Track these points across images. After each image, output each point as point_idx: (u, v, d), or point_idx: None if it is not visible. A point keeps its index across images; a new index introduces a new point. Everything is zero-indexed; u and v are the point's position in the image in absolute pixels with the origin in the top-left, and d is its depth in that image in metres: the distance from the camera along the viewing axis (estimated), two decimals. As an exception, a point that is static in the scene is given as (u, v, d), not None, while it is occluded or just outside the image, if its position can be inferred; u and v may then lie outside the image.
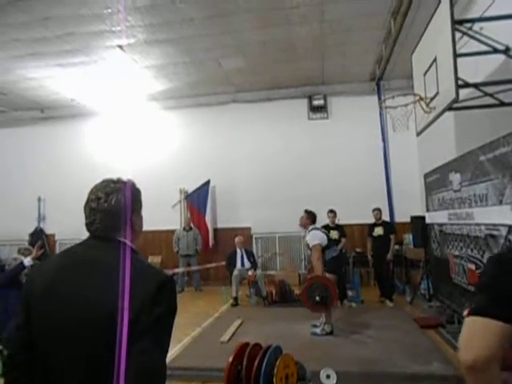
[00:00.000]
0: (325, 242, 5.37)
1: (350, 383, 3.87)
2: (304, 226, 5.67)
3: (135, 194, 1.40)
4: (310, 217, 5.63)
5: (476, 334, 1.05)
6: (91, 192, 1.35)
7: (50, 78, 8.58)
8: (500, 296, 1.05)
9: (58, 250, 10.60)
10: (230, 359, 3.48)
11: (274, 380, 3.29)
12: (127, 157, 9.80)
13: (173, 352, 4.69)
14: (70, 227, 9.94)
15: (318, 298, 4.85)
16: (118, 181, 1.38)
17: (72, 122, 10.82)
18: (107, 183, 1.35)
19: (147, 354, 1.12)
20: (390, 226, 7.68)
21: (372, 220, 7.65)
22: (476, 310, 1.08)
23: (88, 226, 1.33)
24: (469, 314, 1.09)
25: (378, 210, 7.55)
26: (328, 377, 3.88)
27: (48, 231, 10.74)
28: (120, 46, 7.26)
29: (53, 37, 6.84)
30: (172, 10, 6.18)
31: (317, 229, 5.58)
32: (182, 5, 6.03)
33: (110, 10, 6.08)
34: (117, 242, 1.29)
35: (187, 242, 9.17)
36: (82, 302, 1.17)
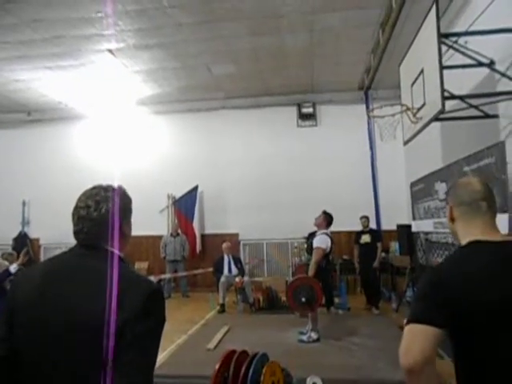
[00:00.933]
0: (328, 249, 5.42)
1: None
2: (318, 226, 5.71)
3: (126, 202, 1.38)
4: (327, 219, 5.71)
5: (414, 339, 1.18)
6: (80, 199, 1.32)
7: (37, 80, 8.49)
8: (433, 305, 1.20)
9: (42, 255, 10.43)
10: (217, 366, 3.46)
11: (261, 388, 3.28)
12: (115, 161, 9.71)
13: (159, 359, 4.60)
14: (55, 231, 9.82)
15: (303, 299, 4.86)
16: (109, 188, 1.34)
17: (59, 125, 10.69)
18: (98, 191, 1.32)
19: (134, 366, 1.11)
20: (377, 234, 7.75)
21: (359, 227, 7.71)
22: (414, 317, 1.21)
23: (76, 234, 1.31)
24: (408, 323, 1.22)
25: (365, 218, 7.62)
26: (314, 384, 3.88)
27: (32, 235, 10.56)
28: (110, 50, 7.23)
29: (41, 39, 6.78)
30: (162, 15, 6.19)
31: (327, 234, 5.62)
32: (171, 10, 6.05)
33: (100, 14, 6.06)
34: (105, 250, 1.27)
35: (174, 247, 9.13)
36: (69, 310, 1.16)
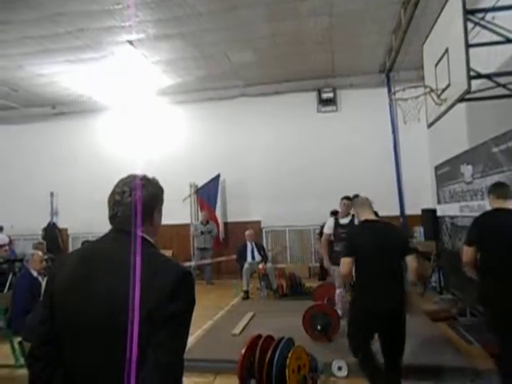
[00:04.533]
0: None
1: (361, 375, 3.90)
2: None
3: (159, 191, 1.44)
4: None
5: (343, 264, 3.19)
6: (117, 185, 1.38)
7: (60, 74, 8.66)
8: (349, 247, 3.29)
9: (71, 244, 10.77)
10: (243, 351, 3.52)
11: (287, 371, 3.33)
12: (138, 151, 9.87)
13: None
14: (82, 221, 10.12)
15: (319, 327, 4.70)
16: (144, 177, 1.41)
17: (83, 118, 10.93)
18: (133, 178, 1.38)
19: (164, 348, 1.15)
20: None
21: (382, 213, 7.60)
22: (343, 254, 3.26)
23: (111, 218, 1.36)
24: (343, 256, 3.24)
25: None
26: (340, 368, 3.91)
27: (61, 225, 10.90)
28: (130, 42, 7.30)
29: (63, 33, 6.90)
30: (180, 5, 6.19)
31: (335, 218, 5.61)
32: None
33: (119, 6, 6.11)
34: (137, 236, 1.31)
35: (204, 235, 9.24)
36: (104, 296, 1.20)
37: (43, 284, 4.28)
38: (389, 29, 7.38)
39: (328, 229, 5.43)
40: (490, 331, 3.29)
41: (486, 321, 3.40)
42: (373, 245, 3.10)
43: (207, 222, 9.42)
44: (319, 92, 9.75)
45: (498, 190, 3.22)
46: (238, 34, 7.27)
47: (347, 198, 5.51)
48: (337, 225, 5.33)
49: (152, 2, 6.05)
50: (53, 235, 10.50)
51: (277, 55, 8.27)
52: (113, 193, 1.37)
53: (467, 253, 3.18)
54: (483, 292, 3.20)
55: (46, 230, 10.67)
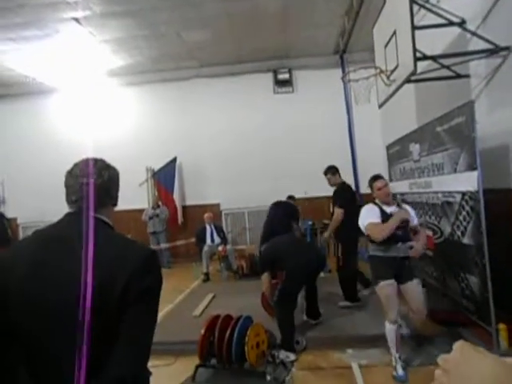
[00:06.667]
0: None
1: (318, 347, 4.08)
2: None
3: (115, 175, 1.45)
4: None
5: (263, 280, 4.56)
6: (73, 168, 1.37)
7: (1, 53, 8.09)
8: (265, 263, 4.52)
9: (21, 234, 10.27)
10: (202, 331, 3.58)
11: (246, 348, 3.42)
12: (89, 135, 9.49)
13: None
14: (33, 210, 9.68)
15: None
16: (101, 160, 1.41)
17: (31, 100, 10.31)
18: (90, 161, 1.37)
19: (137, 323, 1.18)
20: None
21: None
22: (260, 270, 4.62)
23: (68, 202, 1.35)
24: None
25: None
26: (297, 343, 4.06)
27: (9, 215, 10.35)
28: (76, 19, 6.91)
29: (2, 9, 6.42)
30: (129, -19, 5.93)
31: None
32: (139, -25, 5.80)
33: (62, -20, 5.76)
34: (96, 218, 1.30)
35: (153, 219, 9.13)
36: (68, 281, 1.18)
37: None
38: (341, 11, 7.46)
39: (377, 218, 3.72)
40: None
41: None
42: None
43: (158, 206, 9.32)
44: (275, 73, 9.75)
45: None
46: (190, 13, 7.07)
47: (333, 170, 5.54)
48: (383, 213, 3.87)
49: (98, -23, 5.75)
50: (1, 225, 9.97)
51: (231, 35, 8.15)
52: (70, 176, 1.36)
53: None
54: None
55: (-7, 219, 10.10)
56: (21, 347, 1.23)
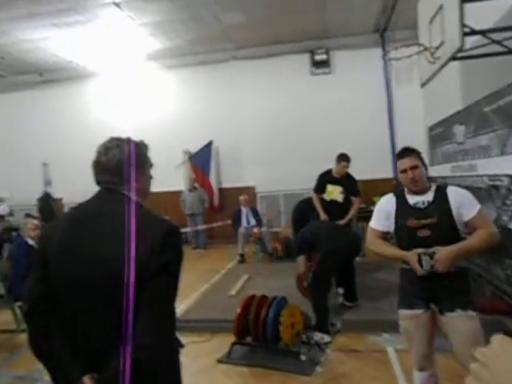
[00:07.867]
0: None
1: (354, 330, 4.06)
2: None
3: (138, 150, 1.42)
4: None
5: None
6: (99, 148, 1.42)
7: (46, 39, 8.38)
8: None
9: (66, 214, 10.77)
10: (238, 310, 3.65)
11: (281, 328, 3.45)
12: (129, 117, 9.72)
13: (183, 306, 4.89)
14: (76, 190, 10.01)
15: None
16: (122, 139, 1.42)
17: (72, 84, 10.69)
18: (111, 140, 1.41)
19: (158, 297, 1.22)
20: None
21: (378, 175, 7.62)
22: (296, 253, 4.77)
23: (97, 181, 1.41)
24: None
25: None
26: (332, 325, 4.06)
27: (55, 195, 10.87)
28: (116, 3, 7.03)
29: (46, -5, 6.62)
30: (167, -38, 5.93)
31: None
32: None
33: (102, -35, 5.84)
34: (123, 195, 1.35)
35: (192, 201, 9.30)
36: (97, 255, 1.25)
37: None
38: (383, -15, 7.16)
39: (381, 220, 3.59)
40: None
41: None
42: None
43: (195, 189, 9.47)
44: (312, 54, 9.53)
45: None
46: (227, -6, 7.02)
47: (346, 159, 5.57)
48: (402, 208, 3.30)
49: (136, -41, 5.79)
50: (47, 205, 10.48)
51: (268, 16, 8.02)
52: (96, 156, 1.40)
53: None
54: None
55: (40, 200, 10.64)
56: (59, 312, 1.32)
